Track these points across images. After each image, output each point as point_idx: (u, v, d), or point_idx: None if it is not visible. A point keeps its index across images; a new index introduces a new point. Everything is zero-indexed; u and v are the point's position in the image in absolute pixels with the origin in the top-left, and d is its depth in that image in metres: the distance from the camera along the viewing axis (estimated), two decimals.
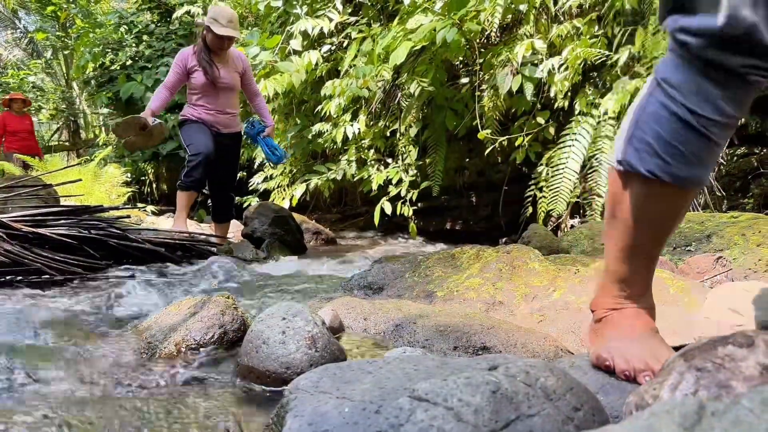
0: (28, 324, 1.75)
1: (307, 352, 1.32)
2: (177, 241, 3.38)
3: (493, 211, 5.41)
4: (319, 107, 6.13)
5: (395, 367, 0.95)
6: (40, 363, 1.40)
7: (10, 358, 1.42)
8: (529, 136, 4.69)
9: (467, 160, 5.76)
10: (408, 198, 5.63)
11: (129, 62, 9.89)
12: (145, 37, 10.17)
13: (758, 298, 1.39)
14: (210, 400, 1.23)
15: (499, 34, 5.18)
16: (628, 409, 0.87)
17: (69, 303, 2.13)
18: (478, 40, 5.02)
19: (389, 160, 6.15)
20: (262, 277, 2.89)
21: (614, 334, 1.10)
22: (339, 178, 6.22)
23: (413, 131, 5.71)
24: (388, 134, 6.06)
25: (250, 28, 7.67)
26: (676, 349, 0.98)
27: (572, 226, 4.41)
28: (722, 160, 3.51)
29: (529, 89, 4.41)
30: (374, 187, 5.80)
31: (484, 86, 4.90)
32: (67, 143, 16.27)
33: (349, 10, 6.47)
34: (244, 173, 7.19)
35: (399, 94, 5.83)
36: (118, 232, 3.06)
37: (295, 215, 4.92)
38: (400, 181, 5.71)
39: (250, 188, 7.18)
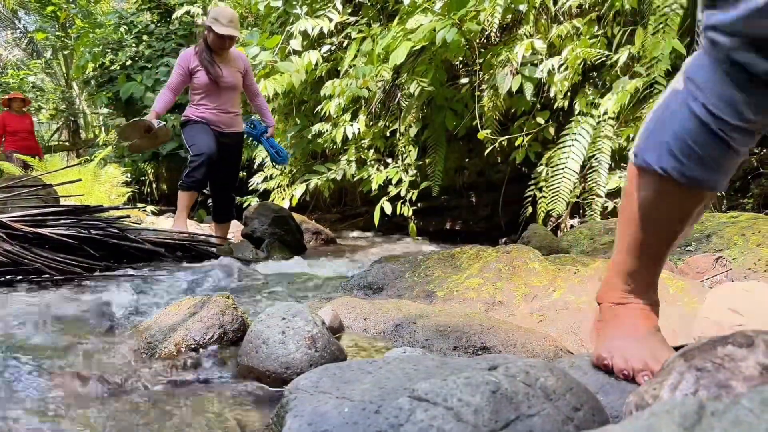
0: (28, 324, 1.75)
1: (306, 352, 1.32)
2: (177, 242, 3.38)
3: (493, 211, 5.41)
4: (319, 107, 6.13)
5: (395, 367, 0.95)
6: (40, 362, 1.40)
7: (10, 358, 1.42)
8: (529, 136, 4.69)
9: (467, 160, 5.76)
10: (408, 198, 5.62)
11: (129, 62, 9.89)
12: (144, 37, 10.16)
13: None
14: (210, 400, 1.23)
15: (498, 34, 5.18)
16: (628, 409, 0.87)
17: (69, 303, 2.13)
18: (477, 40, 5.02)
19: (389, 160, 6.15)
20: (262, 277, 2.89)
21: (617, 332, 1.09)
22: (339, 178, 6.22)
23: (413, 131, 5.71)
24: (388, 134, 6.06)
25: (250, 28, 7.67)
26: (676, 349, 0.98)
27: (572, 226, 4.41)
28: None
29: (528, 89, 4.41)
30: (374, 187, 5.80)
31: (483, 86, 4.90)
32: (66, 143, 16.26)
33: (349, 10, 6.47)
34: (244, 173, 7.19)
35: (399, 94, 5.83)
36: (118, 232, 3.06)
37: (295, 215, 4.92)
38: (399, 181, 5.71)
39: (250, 188, 7.18)
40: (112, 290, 2.33)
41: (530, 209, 4.61)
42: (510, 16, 4.83)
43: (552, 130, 4.63)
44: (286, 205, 6.06)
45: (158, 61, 9.64)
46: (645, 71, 3.81)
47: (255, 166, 7.25)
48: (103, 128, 14.47)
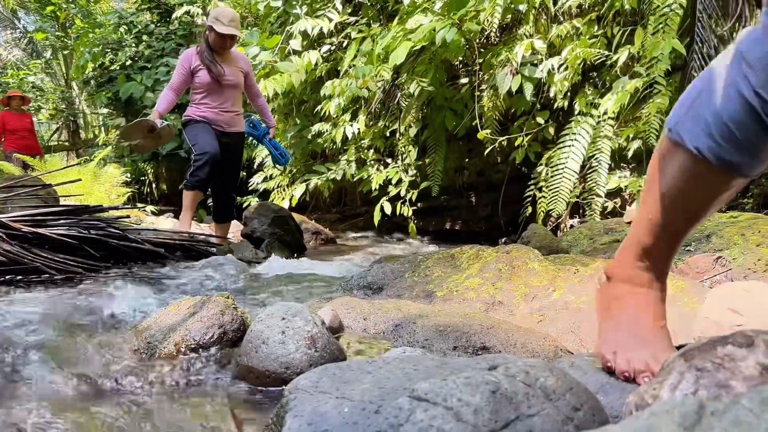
0: (27, 323, 1.75)
1: (306, 352, 1.32)
2: (177, 242, 3.37)
3: (493, 211, 5.41)
4: (319, 107, 6.14)
5: (395, 367, 0.95)
6: (39, 363, 1.40)
7: (9, 358, 1.42)
8: (529, 136, 4.69)
9: (467, 160, 5.76)
10: (407, 198, 5.63)
11: (128, 62, 9.89)
12: (144, 37, 10.16)
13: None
14: (210, 400, 1.23)
15: (498, 34, 5.18)
16: (628, 409, 0.87)
17: (68, 303, 2.13)
18: (477, 40, 5.02)
19: (389, 160, 6.15)
20: (262, 277, 2.89)
21: (621, 325, 1.04)
22: (339, 178, 6.22)
23: (413, 131, 5.71)
24: (388, 134, 6.07)
25: (249, 28, 7.67)
26: (677, 348, 0.98)
27: (572, 226, 4.41)
28: None
29: (528, 89, 4.41)
30: (374, 187, 5.81)
31: (483, 86, 4.90)
32: (66, 143, 16.26)
33: (349, 10, 6.47)
34: (244, 173, 7.19)
35: (398, 94, 5.83)
36: (118, 232, 3.06)
37: (295, 215, 4.92)
38: (399, 181, 5.71)
39: (250, 188, 7.18)
40: (112, 290, 2.33)
41: (530, 209, 4.62)
42: (510, 16, 4.83)
43: (552, 130, 4.64)
44: (285, 205, 6.06)
45: (158, 61, 9.64)
46: (645, 71, 3.81)
47: (255, 166, 7.25)
48: (102, 128, 14.46)
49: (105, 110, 12.67)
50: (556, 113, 4.67)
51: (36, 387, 1.27)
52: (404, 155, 5.82)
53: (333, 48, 6.53)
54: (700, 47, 3.57)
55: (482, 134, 4.81)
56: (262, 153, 6.83)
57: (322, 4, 6.39)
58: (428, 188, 5.54)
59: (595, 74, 4.49)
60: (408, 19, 4.89)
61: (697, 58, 3.58)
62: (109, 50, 10.31)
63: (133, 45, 10.07)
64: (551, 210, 4.35)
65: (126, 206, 6.74)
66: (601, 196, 4.23)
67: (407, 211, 5.59)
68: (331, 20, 6.15)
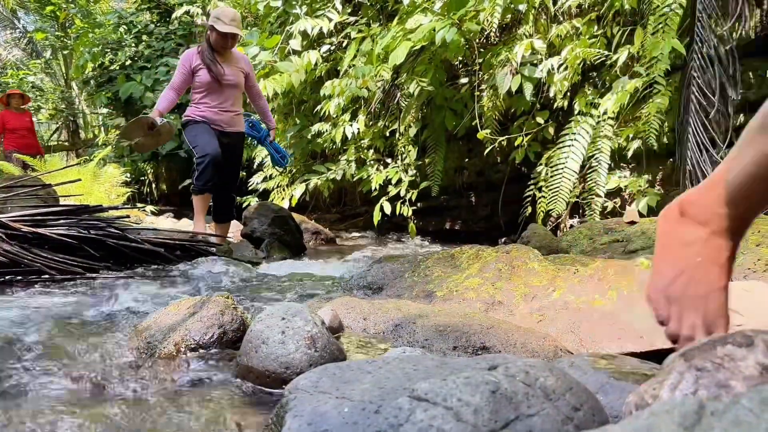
0: (27, 323, 1.75)
1: (306, 352, 1.32)
2: (176, 241, 3.38)
3: (493, 210, 5.41)
4: (319, 107, 6.14)
5: (395, 367, 0.95)
6: (39, 363, 1.40)
7: (9, 358, 1.42)
8: (529, 136, 4.69)
9: (466, 160, 5.76)
10: (407, 198, 5.63)
11: (128, 62, 9.89)
12: (144, 37, 10.17)
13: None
14: (209, 400, 1.23)
15: (498, 34, 5.18)
16: (628, 408, 0.87)
17: (68, 303, 2.13)
18: (477, 40, 5.02)
19: (389, 160, 6.15)
20: (262, 277, 2.89)
21: (685, 271, 0.92)
22: (338, 178, 6.23)
23: (412, 131, 5.72)
24: (388, 134, 6.07)
25: (249, 28, 7.67)
26: (676, 349, 0.97)
27: (571, 226, 4.41)
28: (721, 161, 3.51)
29: (528, 89, 4.41)
30: (374, 187, 5.81)
31: (483, 86, 4.90)
32: (66, 143, 16.27)
33: (349, 10, 6.47)
34: (244, 173, 7.20)
35: (398, 94, 5.83)
36: (118, 232, 3.06)
37: (295, 215, 4.92)
38: (399, 181, 5.72)
39: (250, 188, 7.18)
40: (112, 290, 2.33)
41: (530, 209, 4.62)
42: (509, 15, 4.83)
43: (551, 130, 4.64)
44: (285, 205, 6.06)
45: (158, 61, 9.64)
46: (644, 71, 3.81)
47: (255, 166, 7.26)
48: (102, 128, 14.47)
49: (105, 110, 12.68)
50: (555, 113, 4.67)
51: (35, 387, 1.27)
52: (404, 155, 5.82)
53: (333, 48, 6.53)
54: (699, 47, 3.57)
55: (482, 134, 4.81)
56: (261, 153, 6.83)
57: (322, 4, 6.39)
58: (428, 188, 5.54)
59: (594, 74, 4.49)
60: (408, 19, 4.89)
61: (696, 58, 3.58)
62: (108, 50, 10.31)
63: (133, 45, 10.08)
64: (551, 210, 4.35)
65: (126, 206, 6.74)
66: (600, 196, 4.23)
67: (407, 211, 5.60)
68: (330, 20, 6.15)
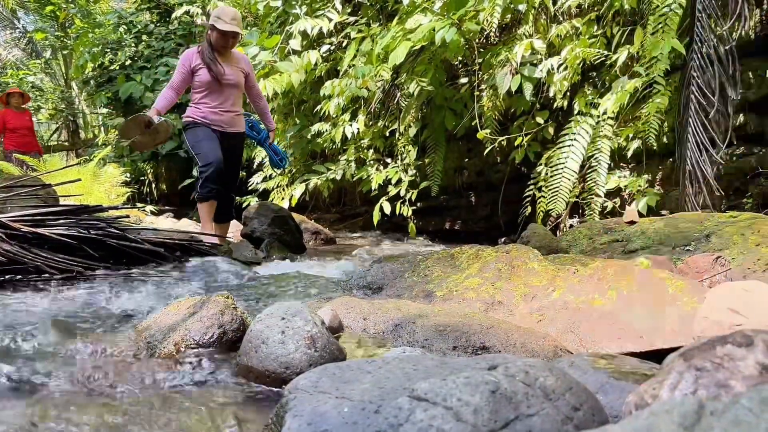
0: (27, 323, 1.75)
1: (306, 351, 1.32)
2: (176, 241, 3.37)
3: (492, 210, 5.41)
4: (319, 107, 6.14)
5: (394, 367, 0.95)
6: (39, 362, 1.40)
7: (9, 358, 1.42)
8: (528, 136, 4.70)
9: (466, 160, 5.76)
10: (407, 198, 5.63)
11: (128, 62, 9.89)
12: (144, 37, 10.16)
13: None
14: (209, 400, 1.23)
15: (498, 34, 5.18)
16: (628, 408, 0.87)
17: (68, 302, 2.13)
18: (477, 40, 5.02)
19: (388, 160, 6.15)
20: (262, 276, 2.89)
21: None
22: (338, 177, 6.23)
23: (412, 131, 5.72)
24: (388, 134, 6.07)
25: (249, 28, 7.67)
26: (675, 349, 0.97)
27: (571, 226, 4.41)
28: (721, 161, 3.51)
29: (528, 89, 4.41)
30: (373, 186, 5.81)
31: (483, 86, 4.90)
32: (66, 143, 16.26)
33: (349, 10, 6.47)
34: (244, 173, 7.20)
35: (398, 94, 5.83)
36: (117, 231, 3.06)
37: (295, 215, 4.92)
38: (399, 180, 5.72)
39: (250, 188, 7.18)
40: (112, 290, 2.33)
41: (529, 209, 4.62)
42: (509, 15, 4.83)
43: (551, 130, 4.64)
44: (285, 204, 6.06)
45: (157, 61, 9.64)
46: (644, 71, 3.81)
47: (255, 166, 7.26)
48: (102, 128, 14.47)
49: (104, 110, 12.67)
50: (555, 113, 4.67)
51: (35, 387, 1.27)
52: (404, 155, 5.82)
53: (332, 48, 6.53)
54: (699, 47, 3.57)
55: (482, 134, 4.81)
56: (261, 153, 6.83)
57: (322, 4, 6.39)
58: (428, 188, 5.54)
59: (594, 74, 4.50)
60: (407, 19, 4.89)
61: (696, 58, 3.58)
62: (108, 50, 10.31)
63: (133, 45, 10.07)
64: (551, 210, 4.35)
65: (125, 206, 6.74)
66: (600, 196, 4.23)
67: (407, 210, 5.60)
68: (330, 20, 6.15)
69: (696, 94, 3.57)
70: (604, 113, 4.13)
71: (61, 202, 3.72)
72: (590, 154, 4.24)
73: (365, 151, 6.20)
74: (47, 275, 2.49)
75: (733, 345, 0.79)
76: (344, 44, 6.38)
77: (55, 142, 16.10)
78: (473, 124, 4.95)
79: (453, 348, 1.51)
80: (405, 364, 0.96)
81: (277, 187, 6.74)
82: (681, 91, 3.71)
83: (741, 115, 3.70)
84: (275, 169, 5.38)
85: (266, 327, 1.37)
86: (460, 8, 4.55)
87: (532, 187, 4.62)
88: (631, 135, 4.07)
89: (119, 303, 2.15)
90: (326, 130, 6.25)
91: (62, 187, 4.15)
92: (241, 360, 1.36)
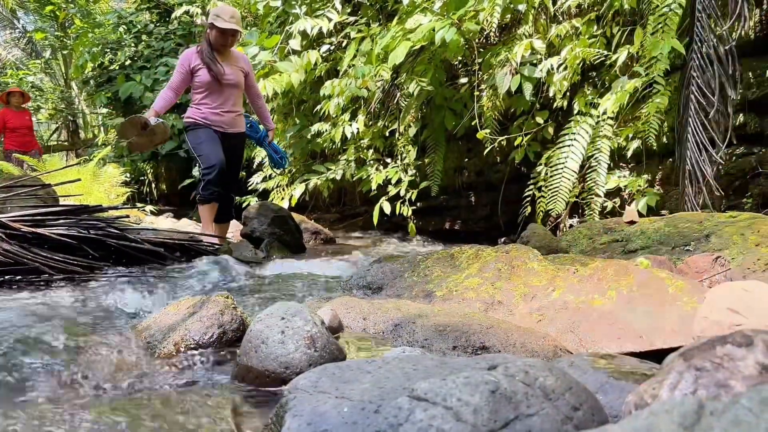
0: (27, 323, 1.75)
1: (306, 351, 1.32)
2: (176, 241, 3.37)
3: (492, 210, 5.41)
4: (318, 107, 6.13)
5: (394, 367, 0.95)
6: (39, 363, 1.40)
7: (8, 358, 1.42)
8: (528, 136, 4.70)
9: (466, 159, 5.76)
10: (407, 198, 5.63)
11: (128, 62, 9.89)
12: (144, 37, 10.16)
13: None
14: (209, 399, 1.23)
15: (498, 34, 5.18)
16: (627, 408, 0.87)
17: (68, 303, 2.13)
18: (477, 40, 5.02)
19: (388, 160, 6.15)
20: (261, 276, 2.89)
21: None
22: (338, 177, 6.22)
23: (412, 131, 5.72)
24: (387, 134, 6.07)
25: (249, 28, 7.67)
26: (675, 349, 0.97)
27: (571, 226, 4.41)
28: (721, 160, 3.51)
29: (528, 89, 4.41)
30: (373, 186, 5.81)
31: (483, 86, 4.90)
32: (66, 143, 16.26)
33: (348, 10, 6.47)
34: (244, 173, 7.20)
35: (398, 94, 5.83)
36: (117, 232, 3.06)
37: (294, 215, 4.92)
38: (399, 180, 5.72)
39: (250, 188, 7.17)
40: (111, 290, 2.33)
41: (529, 209, 4.62)
42: (509, 15, 4.83)
43: (551, 130, 4.64)
44: (285, 204, 6.06)
45: (157, 60, 9.63)
46: (644, 71, 3.81)
47: (254, 166, 7.25)
48: (102, 128, 14.47)
49: (104, 110, 12.67)
50: (555, 113, 4.67)
51: (35, 387, 1.27)
52: (403, 155, 5.82)
53: (332, 48, 6.53)
54: (699, 47, 3.57)
55: (481, 134, 4.81)
56: (261, 153, 6.83)
57: (322, 3, 6.38)
58: (427, 188, 5.54)
59: (594, 74, 4.49)
60: (407, 19, 4.89)
61: (696, 58, 3.58)
62: (108, 50, 10.31)
63: (133, 45, 10.07)
64: (550, 210, 4.35)
65: (125, 206, 6.74)
66: (600, 196, 4.23)
67: (407, 210, 5.60)
68: (330, 20, 6.15)
69: (696, 94, 3.57)
70: (604, 113, 4.13)
71: (60, 202, 3.72)
72: (590, 154, 4.24)
73: (365, 151, 6.20)
74: (47, 275, 2.49)
75: (732, 345, 0.79)
76: (344, 44, 6.37)
77: (55, 142, 16.10)
78: (473, 124, 4.95)
79: (453, 348, 1.51)
80: (405, 364, 0.96)
81: (277, 187, 6.74)
82: (681, 91, 3.71)
83: (741, 114, 3.70)
84: (275, 169, 5.38)
85: (266, 327, 1.37)
86: (459, 8, 4.54)
87: (531, 187, 4.62)
88: (630, 135, 4.07)
89: (119, 303, 2.15)
90: (326, 130, 6.25)
91: (62, 187, 4.15)
92: (241, 360, 1.36)
